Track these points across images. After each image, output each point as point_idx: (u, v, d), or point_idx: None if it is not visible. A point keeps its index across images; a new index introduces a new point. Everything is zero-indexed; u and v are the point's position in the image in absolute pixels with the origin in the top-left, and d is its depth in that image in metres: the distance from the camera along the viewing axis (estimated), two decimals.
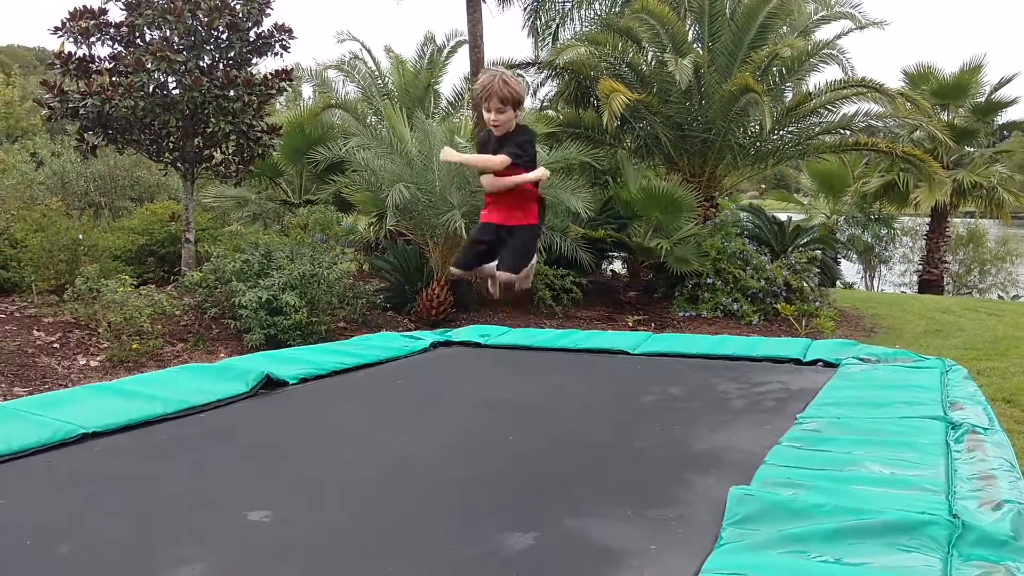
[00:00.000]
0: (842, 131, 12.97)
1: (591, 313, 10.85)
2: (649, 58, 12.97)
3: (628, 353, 5.86)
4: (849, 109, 12.76)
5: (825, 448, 3.30)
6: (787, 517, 2.50)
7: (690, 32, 12.73)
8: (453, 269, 3.80)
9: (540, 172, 3.54)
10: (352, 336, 7.93)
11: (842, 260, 20.33)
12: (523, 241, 3.62)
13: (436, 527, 2.73)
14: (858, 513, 2.48)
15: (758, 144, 12.87)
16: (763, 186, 26.15)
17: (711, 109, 11.98)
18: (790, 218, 16.03)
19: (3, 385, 6.45)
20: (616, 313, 10.99)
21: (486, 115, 3.43)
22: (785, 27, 12.84)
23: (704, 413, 4.17)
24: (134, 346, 7.50)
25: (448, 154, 3.57)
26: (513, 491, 3.11)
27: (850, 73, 12.79)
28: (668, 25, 11.78)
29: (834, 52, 12.70)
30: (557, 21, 15.79)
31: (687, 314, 10.89)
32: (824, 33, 13.28)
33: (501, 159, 3.47)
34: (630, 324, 10.25)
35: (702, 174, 12.59)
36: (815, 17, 13.12)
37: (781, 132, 12.61)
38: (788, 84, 12.80)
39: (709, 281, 10.95)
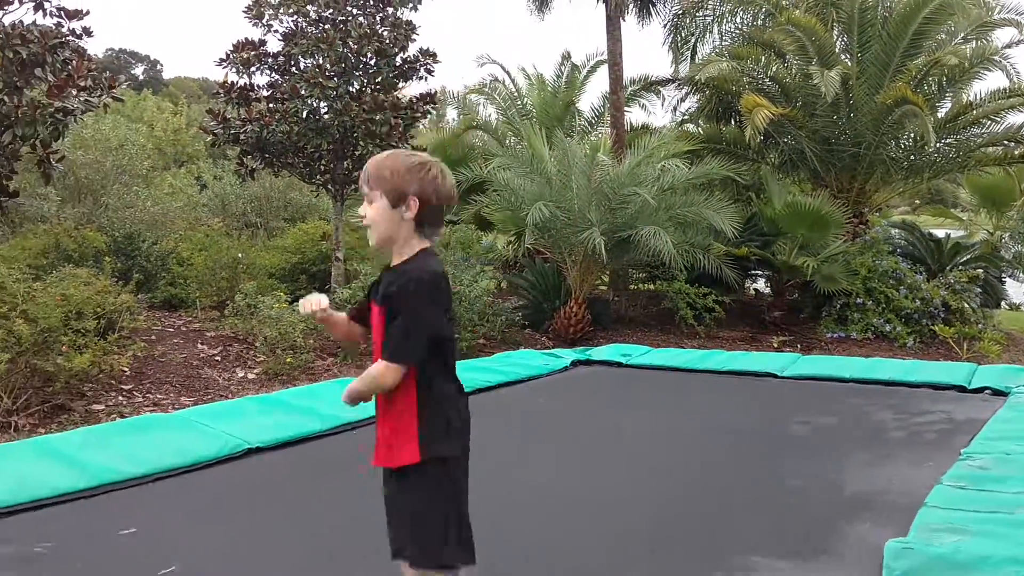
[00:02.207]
0: (1007, 143, 12.18)
1: (734, 333, 10.59)
2: (793, 71, 12.60)
3: (775, 376, 5.71)
4: (1015, 119, 11.98)
5: (993, 488, 3.10)
6: (950, 571, 2.35)
7: (837, 43, 12.30)
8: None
9: (371, 378, 2.21)
10: (492, 353, 8.05)
11: (1007, 279, 18.94)
12: (411, 501, 2.20)
13: (575, 556, 2.72)
14: None
15: (912, 157, 12.26)
16: (917, 201, 24.78)
17: (860, 122, 11.52)
18: (948, 235, 15.10)
19: (172, 394, 6.91)
20: (760, 333, 10.68)
21: None
22: (943, 34, 12.19)
23: (859, 446, 4.00)
24: (288, 360, 7.86)
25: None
26: (653, 535, 3.03)
27: (1015, 80, 12.02)
28: (814, 36, 11.41)
29: (997, 58, 11.97)
30: (696, 35, 15.57)
31: (836, 335, 10.45)
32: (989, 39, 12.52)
33: (364, 382, 2.22)
34: (775, 345, 9.93)
35: (850, 189, 12.10)
36: (976, 24, 12.37)
37: (938, 144, 11.97)
38: (948, 94, 12.14)
39: (859, 301, 10.48)
